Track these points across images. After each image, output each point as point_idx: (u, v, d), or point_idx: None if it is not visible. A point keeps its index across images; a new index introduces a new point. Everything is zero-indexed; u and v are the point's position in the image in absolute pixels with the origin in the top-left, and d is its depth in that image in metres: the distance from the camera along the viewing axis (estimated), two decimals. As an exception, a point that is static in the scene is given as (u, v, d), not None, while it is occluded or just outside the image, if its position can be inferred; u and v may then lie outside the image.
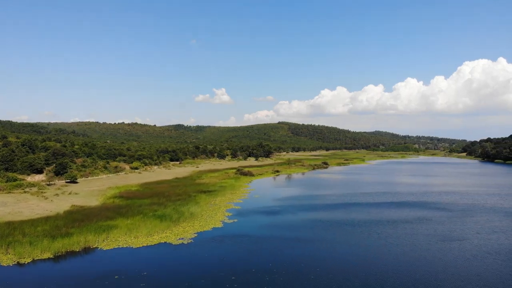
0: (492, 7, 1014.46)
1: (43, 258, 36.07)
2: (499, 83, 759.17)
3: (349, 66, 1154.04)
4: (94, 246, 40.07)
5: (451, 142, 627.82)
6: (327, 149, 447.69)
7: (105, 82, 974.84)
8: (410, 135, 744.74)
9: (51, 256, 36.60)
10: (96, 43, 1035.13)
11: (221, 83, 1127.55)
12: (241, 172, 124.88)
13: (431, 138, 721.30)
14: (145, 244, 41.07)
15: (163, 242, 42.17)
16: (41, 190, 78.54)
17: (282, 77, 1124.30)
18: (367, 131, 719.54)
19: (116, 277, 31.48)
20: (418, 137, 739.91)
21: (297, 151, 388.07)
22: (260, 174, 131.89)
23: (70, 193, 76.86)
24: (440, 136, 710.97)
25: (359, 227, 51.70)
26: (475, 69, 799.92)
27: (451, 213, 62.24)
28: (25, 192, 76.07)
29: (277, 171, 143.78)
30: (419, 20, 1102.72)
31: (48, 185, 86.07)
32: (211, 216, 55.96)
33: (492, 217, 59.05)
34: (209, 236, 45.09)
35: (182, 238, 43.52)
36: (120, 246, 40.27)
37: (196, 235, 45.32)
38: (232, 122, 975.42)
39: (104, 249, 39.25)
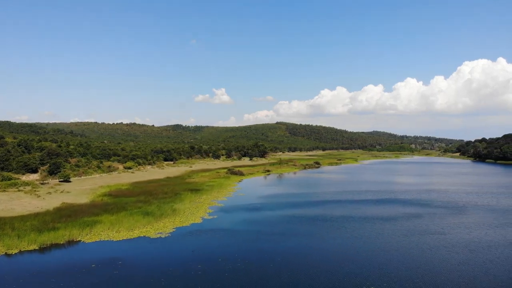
0: (492, 7, 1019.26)
1: (29, 249, 39.34)
2: (498, 83, 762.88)
3: (349, 66, 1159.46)
4: (77, 239, 43.34)
5: (449, 142, 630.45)
6: (324, 149, 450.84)
7: (105, 82, 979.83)
8: (408, 135, 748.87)
9: (37, 248, 39.88)
10: (96, 43, 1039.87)
11: (221, 83, 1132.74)
12: (232, 172, 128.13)
13: (429, 138, 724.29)
14: (125, 238, 44.37)
15: (142, 236, 45.47)
16: (34, 189, 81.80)
17: (282, 77, 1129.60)
18: (367, 131, 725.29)
19: (93, 265, 34.76)
20: (416, 137, 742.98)
21: (293, 151, 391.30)
22: (250, 174, 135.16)
23: (62, 192, 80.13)
24: (439, 136, 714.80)
25: (331, 222, 54.99)
26: (475, 69, 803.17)
27: (422, 210, 65.46)
28: (19, 190, 79.32)
29: (268, 171, 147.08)
30: (419, 20, 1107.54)
31: (42, 184, 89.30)
32: (192, 213, 59.23)
33: (460, 214, 62.30)
34: (187, 231, 48.37)
35: (161, 233, 46.80)
36: (101, 239, 43.56)
37: (174, 230, 48.61)
38: (232, 122, 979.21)
39: (86, 242, 42.54)
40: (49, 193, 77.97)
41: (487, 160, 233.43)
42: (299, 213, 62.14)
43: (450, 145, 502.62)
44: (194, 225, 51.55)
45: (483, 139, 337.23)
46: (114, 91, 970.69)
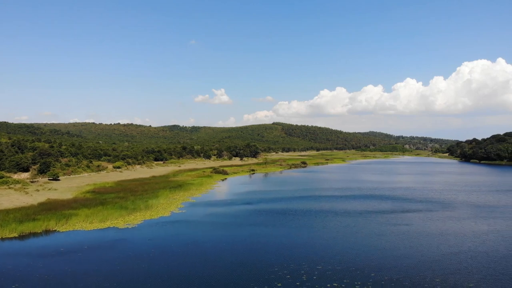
0: (491, 7, 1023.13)
1: (10, 237, 45.28)
2: (498, 83, 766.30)
3: (349, 67, 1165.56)
4: (53, 229, 49.25)
5: (445, 142, 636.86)
6: (318, 149, 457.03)
7: (104, 82, 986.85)
8: (405, 135, 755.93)
9: (17, 236, 45.84)
10: (96, 43, 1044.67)
11: (220, 83, 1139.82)
12: (216, 171, 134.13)
13: (425, 139, 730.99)
14: (96, 228, 50.31)
15: (112, 226, 51.37)
16: (24, 186, 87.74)
17: (282, 77, 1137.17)
18: (366, 131, 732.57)
19: (61, 249, 40.73)
20: (412, 137, 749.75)
21: (287, 151, 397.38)
22: (235, 173, 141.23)
23: (49, 189, 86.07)
24: (439, 137, 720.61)
25: (287, 214, 60.88)
26: (474, 70, 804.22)
27: (368, 204, 71.35)
28: (9, 188, 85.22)
29: (253, 170, 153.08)
30: (418, 20, 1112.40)
31: (32, 182, 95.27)
32: (164, 208, 65.15)
33: (416, 209, 68.20)
34: (153, 223, 54.27)
35: (129, 224, 52.71)
36: (75, 229, 49.51)
37: (142, 222, 54.50)
38: (231, 122, 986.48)
39: (61, 231, 48.47)
40: (37, 190, 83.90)
41: (471, 160, 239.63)
42: (263, 207, 68.07)
43: (443, 146, 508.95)
44: (162, 218, 57.47)
45: (474, 140, 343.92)
46: (114, 92, 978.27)
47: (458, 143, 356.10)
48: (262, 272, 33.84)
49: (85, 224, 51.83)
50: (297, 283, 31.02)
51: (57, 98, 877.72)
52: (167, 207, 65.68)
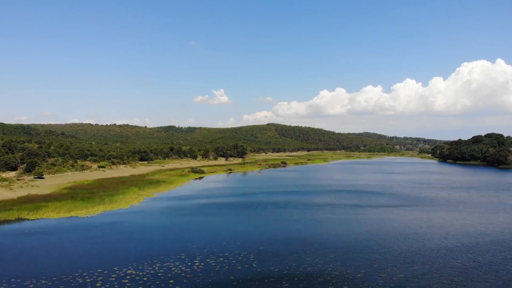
0: (491, 8, 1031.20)
1: (-13, 223, 55.47)
2: (497, 84, 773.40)
3: (348, 67, 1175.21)
4: (24, 218, 59.26)
5: (439, 143, 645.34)
6: (309, 150, 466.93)
7: (103, 83, 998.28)
8: (403, 136, 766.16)
9: (-7, 222, 56.04)
10: (96, 44, 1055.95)
11: (220, 84, 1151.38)
12: (194, 171, 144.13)
13: (418, 139, 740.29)
14: (61, 217, 60.35)
15: (74, 216, 61.35)
16: (10, 184, 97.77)
17: (281, 78, 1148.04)
18: (366, 131, 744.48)
19: (26, 232, 50.80)
20: (406, 138, 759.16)
21: (277, 152, 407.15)
22: (212, 172, 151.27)
23: (32, 186, 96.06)
24: (438, 138, 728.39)
25: (235, 207, 70.74)
26: (474, 70, 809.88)
27: (317, 199, 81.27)
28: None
29: (230, 170, 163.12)
30: (418, 20, 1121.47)
31: (18, 180, 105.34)
32: (126, 202, 75.11)
33: (361, 204, 78.13)
34: (110, 213, 64.17)
35: (89, 214, 62.76)
36: (42, 218, 59.56)
37: (101, 213, 64.49)
38: (231, 123, 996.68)
39: (30, 219, 58.48)
40: (21, 187, 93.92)
41: (448, 160, 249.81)
42: (216, 201, 78.04)
43: (433, 147, 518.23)
44: (120, 210, 67.41)
45: (459, 140, 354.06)
46: (113, 92, 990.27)
47: (444, 144, 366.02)
48: (176, 247, 43.88)
49: (53, 214, 61.82)
50: (198, 257, 41.14)
51: (56, 99, 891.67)
52: (129, 201, 75.64)
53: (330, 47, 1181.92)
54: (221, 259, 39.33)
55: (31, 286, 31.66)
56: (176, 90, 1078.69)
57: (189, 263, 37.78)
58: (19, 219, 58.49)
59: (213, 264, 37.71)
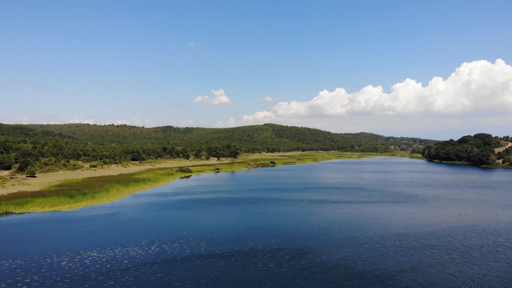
0: (491, 8, 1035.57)
1: (-23, 216, 61.68)
2: (497, 84, 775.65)
3: (348, 67, 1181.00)
4: (11, 211, 65.47)
5: (434, 143, 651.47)
6: (304, 150, 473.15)
7: (103, 83, 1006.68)
8: (403, 136, 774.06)
9: (-18, 215, 62.25)
10: (96, 44, 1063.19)
11: (220, 84, 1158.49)
12: (181, 169, 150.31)
13: (414, 140, 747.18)
14: (45, 211, 66.51)
15: (57, 210, 67.56)
16: (3, 182, 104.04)
17: (281, 78, 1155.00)
18: (366, 132, 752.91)
19: (13, 223, 56.99)
20: (402, 138, 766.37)
21: (272, 152, 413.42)
22: (199, 171, 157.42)
23: (24, 184, 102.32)
24: (437, 138, 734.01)
25: (209, 203, 76.79)
26: (474, 71, 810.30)
27: (294, 195, 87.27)
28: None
29: (218, 169, 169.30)
30: (418, 20, 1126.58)
31: (11, 178, 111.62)
32: (108, 198, 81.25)
33: (330, 201, 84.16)
34: (90, 208, 70.25)
35: (71, 208, 68.96)
36: (28, 212, 65.73)
37: (83, 207, 70.69)
38: (231, 123, 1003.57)
39: (16, 213, 64.69)
40: (13, 184, 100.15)
41: (434, 160, 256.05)
42: (196, 197, 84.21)
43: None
44: (100, 205, 73.59)
45: (451, 140, 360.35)
46: (113, 92, 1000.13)
47: (435, 144, 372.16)
48: (141, 236, 50.06)
49: (38, 208, 68.00)
50: (155, 243, 47.32)
51: (56, 99, 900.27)
52: (111, 197, 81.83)
53: (330, 47, 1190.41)
54: (175, 244, 45.51)
55: (7, 264, 37.81)
56: (175, 91, 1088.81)
57: (146, 248, 43.93)
58: (6, 213, 64.67)
59: (166, 248, 43.88)
